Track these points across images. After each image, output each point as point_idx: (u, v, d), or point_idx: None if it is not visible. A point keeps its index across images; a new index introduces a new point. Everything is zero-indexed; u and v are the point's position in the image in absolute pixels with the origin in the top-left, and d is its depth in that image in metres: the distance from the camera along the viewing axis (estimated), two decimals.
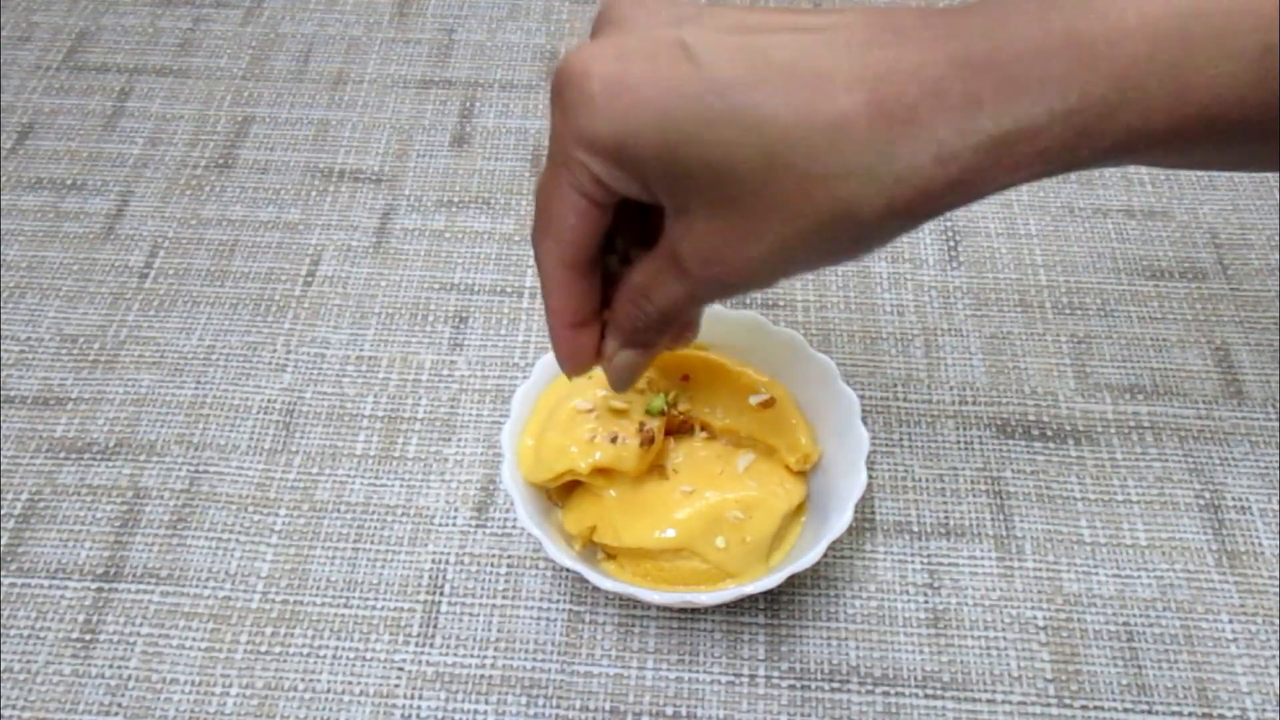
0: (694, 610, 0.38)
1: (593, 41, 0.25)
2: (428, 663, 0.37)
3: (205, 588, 0.39)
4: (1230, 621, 0.37)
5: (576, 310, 0.29)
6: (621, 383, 0.32)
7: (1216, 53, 0.21)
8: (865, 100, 0.22)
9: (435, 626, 0.38)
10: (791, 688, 0.36)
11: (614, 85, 0.24)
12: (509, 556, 0.39)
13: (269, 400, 0.44)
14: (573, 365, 0.31)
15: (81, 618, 0.38)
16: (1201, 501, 0.40)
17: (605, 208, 0.27)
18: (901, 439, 0.42)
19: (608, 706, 0.36)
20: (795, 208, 0.23)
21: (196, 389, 0.45)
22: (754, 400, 0.38)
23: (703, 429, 0.38)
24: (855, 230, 0.23)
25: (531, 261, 0.49)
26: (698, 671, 0.37)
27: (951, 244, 0.49)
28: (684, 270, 0.26)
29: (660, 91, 0.23)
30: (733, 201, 0.24)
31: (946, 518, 0.40)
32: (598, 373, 0.38)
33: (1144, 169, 0.52)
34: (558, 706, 0.36)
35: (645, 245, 0.28)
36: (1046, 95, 0.22)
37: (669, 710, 0.36)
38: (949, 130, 0.22)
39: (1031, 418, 0.43)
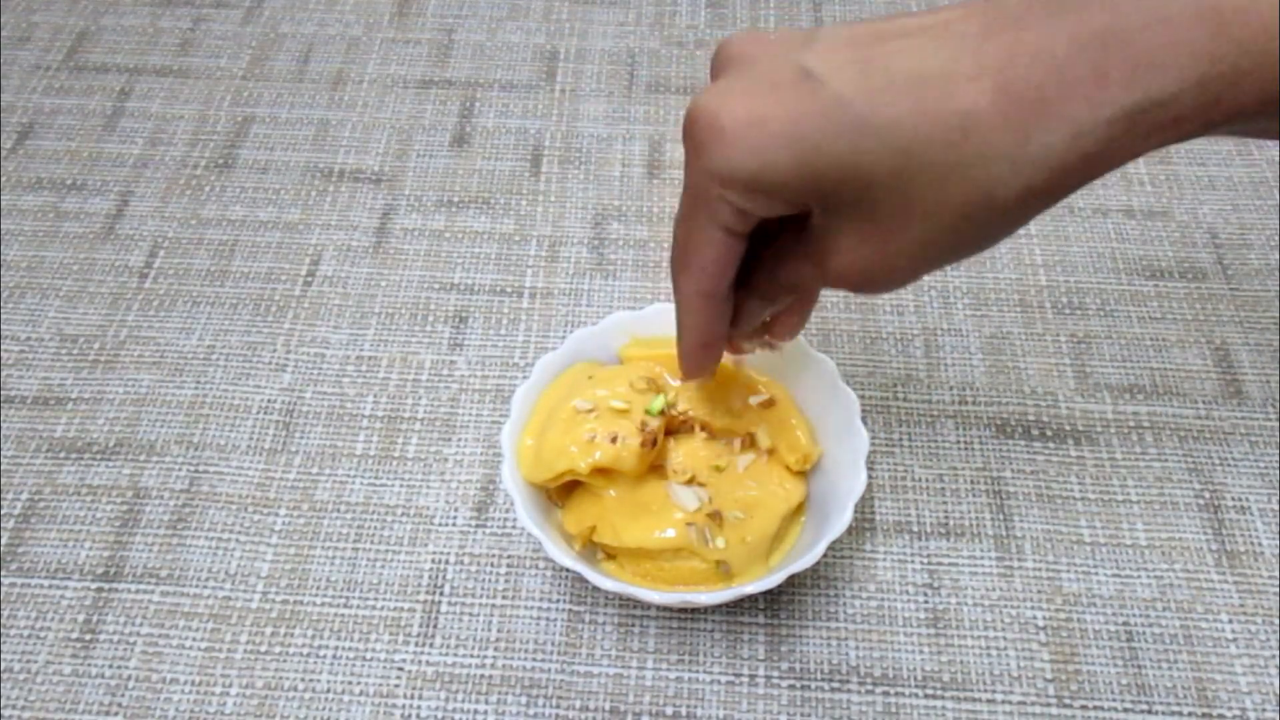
0: (694, 610, 0.38)
1: (716, 82, 0.26)
2: (428, 663, 0.37)
3: (205, 588, 0.39)
4: (1230, 621, 0.37)
5: (711, 332, 0.31)
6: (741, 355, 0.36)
7: None
8: (991, 89, 0.22)
9: (435, 626, 0.38)
10: (791, 688, 0.36)
11: (743, 119, 0.24)
12: (509, 556, 0.39)
13: (269, 400, 0.44)
14: (695, 374, 0.34)
15: (81, 618, 0.38)
16: (1201, 501, 0.40)
17: (744, 236, 0.28)
18: (901, 439, 0.42)
19: (608, 706, 0.36)
20: (934, 203, 0.24)
21: (196, 389, 0.45)
22: (754, 400, 0.38)
23: (703, 429, 0.38)
24: (994, 216, 0.24)
25: (531, 262, 0.49)
26: (698, 671, 0.37)
27: None
28: (826, 271, 0.27)
29: (789, 118, 0.24)
30: (874, 206, 0.24)
31: (946, 518, 0.40)
32: (599, 373, 0.38)
33: (1143, 168, 0.52)
34: (558, 706, 0.36)
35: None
36: (1177, 65, 0.21)
37: (669, 710, 0.36)
38: (1079, 108, 0.22)
39: (1031, 418, 0.43)
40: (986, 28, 0.23)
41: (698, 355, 0.33)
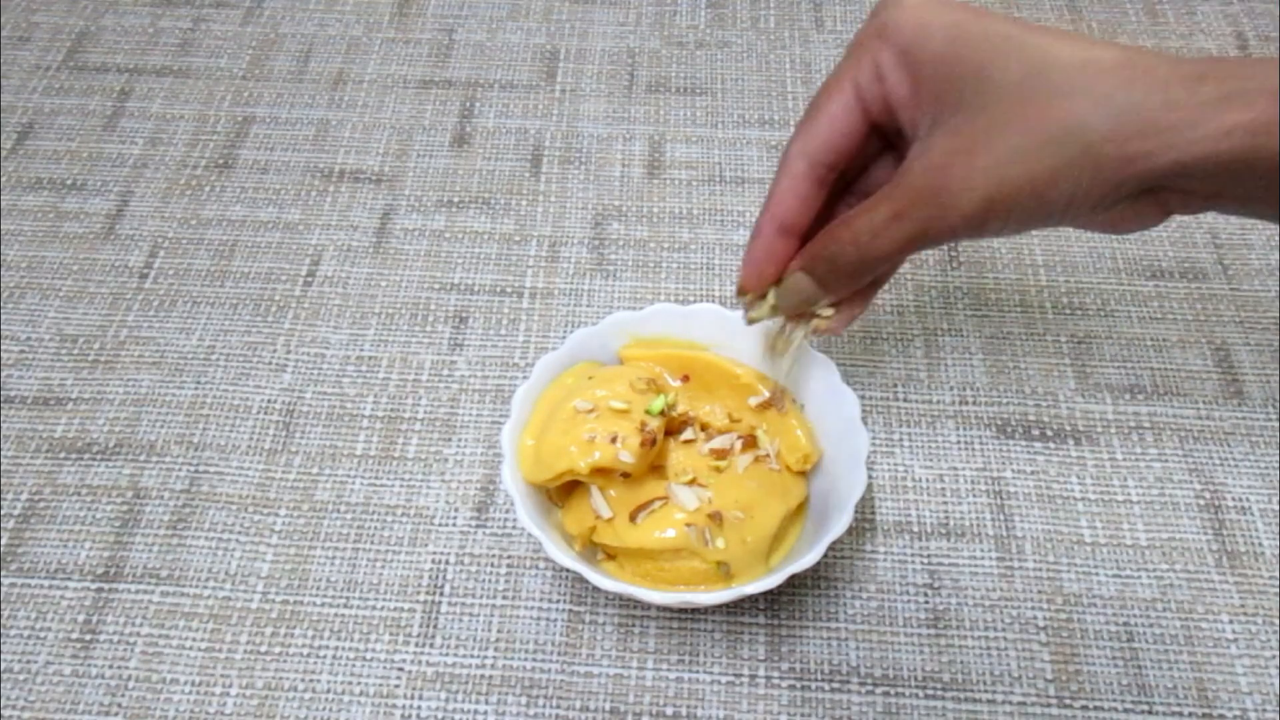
0: (694, 610, 0.38)
1: None
2: (428, 663, 0.37)
3: (205, 588, 0.39)
4: (1230, 621, 0.37)
5: (794, 210, 0.32)
6: (785, 305, 0.34)
7: None
8: (1118, 51, 0.27)
9: (435, 626, 0.38)
10: (791, 688, 0.36)
11: (927, 1, 0.29)
12: (509, 556, 0.39)
13: (269, 400, 0.44)
14: (757, 271, 0.33)
15: (81, 618, 0.38)
16: (1201, 501, 0.40)
17: (868, 119, 0.31)
18: (901, 439, 0.42)
19: (608, 706, 0.36)
20: (1034, 118, 0.26)
21: (196, 389, 0.45)
22: (754, 400, 0.38)
23: (703, 429, 0.38)
24: (1075, 153, 0.26)
25: (531, 262, 0.49)
26: (698, 671, 0.37)
27: (951, 244, 0.49)
28: (905, 184, 0.29)
29: (959, 11, 0.29)
30: (985, 108, 0.27)
31: (947, 518, 0.40)
32: (598, 373, 0.38)
33: None
34: (558, 706, 0.36)
35: None
36: (1260, 77, 0.25)
37: (669, 710, 0.36)
38: (1178, 87, 0.25)
39: (1031, 418, 0.43)
40: (1122, 45, 0.28)
41: (769, 238, 0.33)
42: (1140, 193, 0.27)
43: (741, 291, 0.34)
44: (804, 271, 0.32)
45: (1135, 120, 0.26)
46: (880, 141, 0.32)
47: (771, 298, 0.34)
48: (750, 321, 0.35)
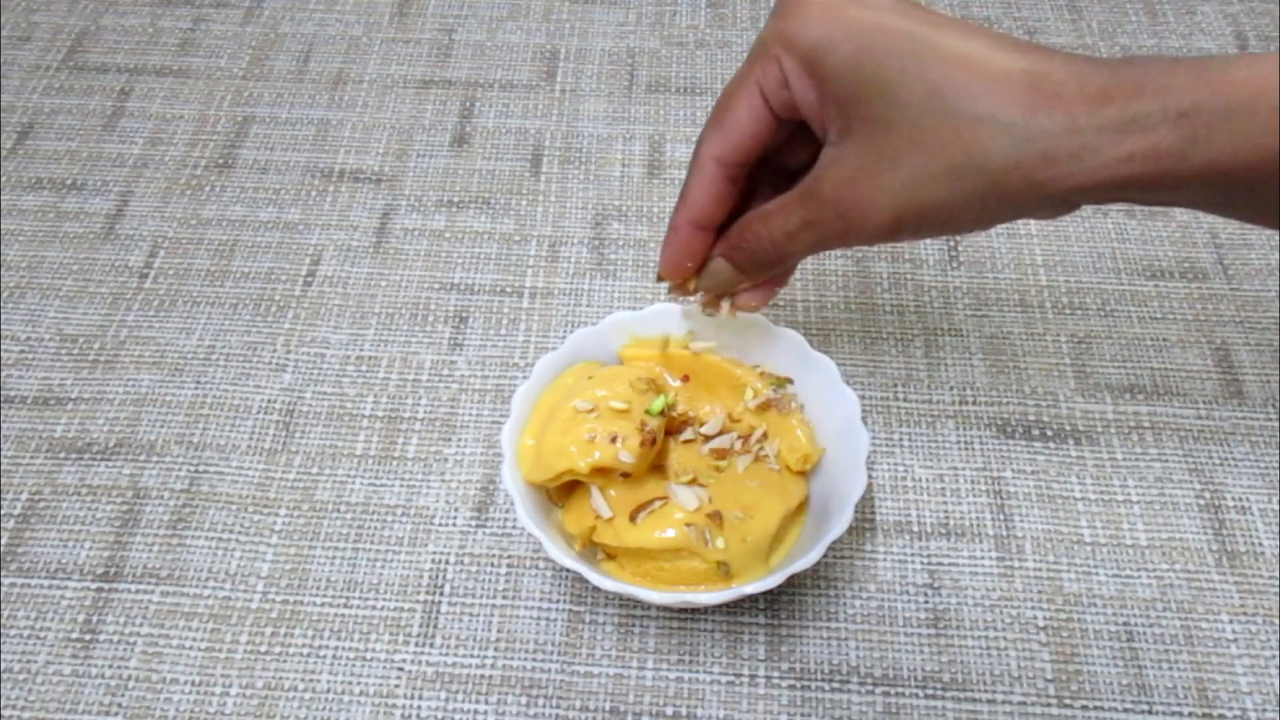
0: (694, 610, 0.38)
1: None
2: (428, 663, 0.37)
3: (205, 588, 0.39)
4: (1230, 621, 0.37)
5: (708, 210, 0.33)
6: (707, 284, 0.35)
7: None
8: (1021, 72, 0.26)
9: (435, 626, 0.38)
10: (791, 688, 0.36)
11: (830, 4, 0.28)
12: (509, 556, 0.39)
13: (269, 400, 0.44)
14: (675, 265, 0.34)
15: (81, 618, 0.38)
16: (1201, 501, 0.40)
17: (776, 120, 0.31)
18: (901, 439, 0.42)
19: (608, 706, 0.36)
20: (940, 143, 0.27)
21: (196, 389, 0.45)
22: (753, 402, 0.38)
23: (703, 429, 0.38)
24: (980, 180, 0.27)
25: (531, 262, 0.49)
26: (698, 671, 0.37)
27: (951, 244, 0.49)
28: (817, 196, 0.29)
29: (865, 20, 0.28)
30: (890, 128, 0.27)
31: (946, 518, 0.40)
32: (599, 373, 0.38)
33: None
34: (558, 706, 0.36)
35: None
36: (1165, 98, 0.25)
37: (669, 710, 0.36)
38: (1082, 111, 0.25)
39: (1031, 418, 0.43)
40: (1031, 47, 0.27)
41: (686, 235, 0.33)
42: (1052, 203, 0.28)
43: (660, 279, 0.36)
44: (724, 258, 0.34)
45: (1039, 148, 0.26)
46: (794, 125, 0.32)
47: (693, 282, 0.36)
48: (675, 299, 0.37)
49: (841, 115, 0.28)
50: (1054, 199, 0.27)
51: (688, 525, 0.34)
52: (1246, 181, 0.25)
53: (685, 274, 0.35)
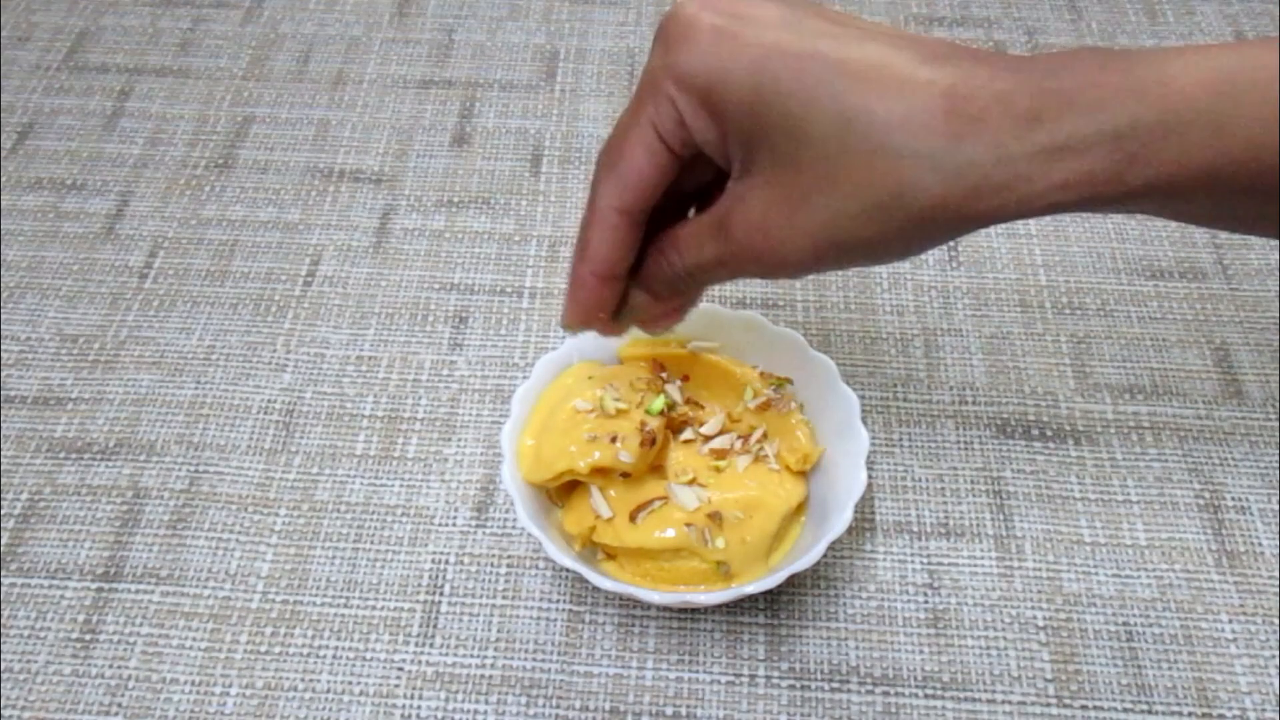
0: (694, 610, 0.38)
1: None
2: (428, 663, 0.37)
3: (205, 588, 0.39)
4: (1230, 621, 0.37)
5: (612, 260, 0.30)
6: (628, 318, 0.32)
7: (1251, 111, 0.23)
8: (940, 95, 0.24)
9: (435, 626, 0.38)
10: (791, 688, 0.36)
11: (720, 31, 0.26)
12: (509, 556, 0.39)
13: (269, 400, 0.44)
14: (581, 317, 0.31)
15: (81, 618, 0.38)
16: (1201, 501, 0.40)
17: (676, 158, 0.28)
18: (901, 439, 0.42)
19: (608, 706, 0.36)
20: (856, 181, 0.25)
21: (196, 389, 0.45)
22: (753, 402, 0.38)
23: (702, 429, 0.38)
24: (904, 218, 0.25)
25: (531, 262, 0.49)
26: (698, 671, 0.37)
27: (951, 244, 0.49)
28: (728, 235, 0.27)
29: (761, 45, 0.25)
30: (799, 167, 0.25)
31: (946, 518, 0.40)
32: (599, 373, 0.38)
33: None
34: (558, 706, 0.36)
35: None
36: (1099, 116, 0.23)
37: (669, 710, 0.36)
38: (1010, 136, 0.24)
39: (1031, 418, 0.43)
40: (950, 54, 0.25)
41: (593, 290, 0.30)
42: None
43: (566, 328, 0.32)
44: (641, 290, 0.31)
45: (967, 183, 0.24)
46: (694, 156, 0.29)
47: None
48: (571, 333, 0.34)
49: (745, 151, 0.26)
50: (989, 224, 0.25)
51: (688, 525, 0.34)
52: (1187, 196, 0.24)
53: (594, 324, 0.32)
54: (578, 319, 0.31)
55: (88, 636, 0.38)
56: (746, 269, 0.28)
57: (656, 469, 0.37)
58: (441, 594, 0.39)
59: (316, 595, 0.39)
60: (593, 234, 0.29)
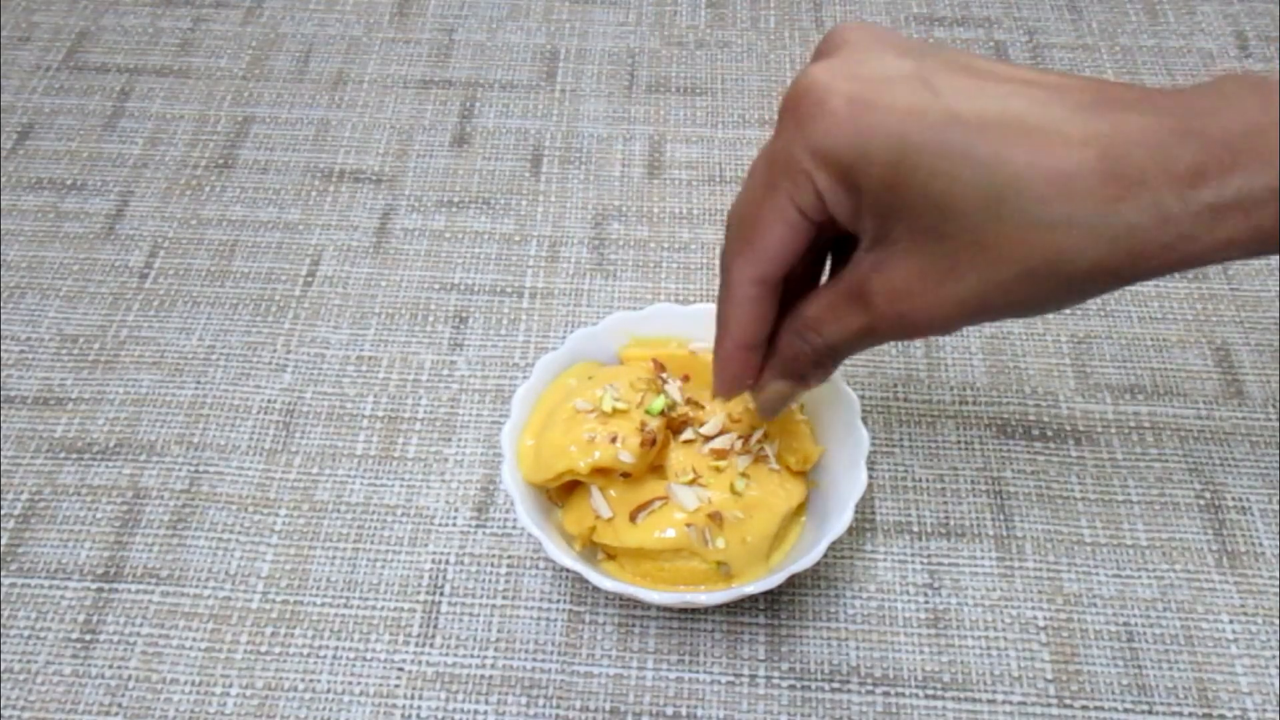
0: (694, 610, 0.38)
1: (827, 61, 0.26)
2: (428, 663, 0.37)
3: (205, 588, 0.39)
4: (1230, 621, 0.37)
5: (756, 331, 0.30)
6: (768, 412, 0.33)
7: None
8: (1095, 158, 0.22)
9: (435, 626, 0.38)
10: (791, 688, 0.36)
11: (856, 103, 0.24)
12: (509, 556, 0.39)
13: (269, 400, 0.44)
14: (732, 386, 0.32)
15: (81, 618, 0.38)
16: (1201, 502, 0.40)
17: (814, 227, 0.27)
18: (901, 439, 0.42)
19: (608, 706, 0.36)
20: (1008, 252, 0.24)
21: (196, 389, 0.45)
22: (753, 402, 0.38)
23: (702, 429, 0.38)
24: (1060, 284, 0.24)
25: (531, 262, 0.49)
26: (698, 671, 0.37)
27: None
28: (868, 304, 0.27)
29: (900, 116, 0.24)
30: (943, 237, 0.24)
31: (946, 518, 0.40)
32: (599, 373, 0.38)
33: None
34: (558, 706, 0.36)
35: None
36: (1268, 169, 0.22)
37: (669, 710, 0.36)
38: (1172, 197, 0.22)
39: (1031, 418, 0.43)
40: (1097, 100, 0.23)
41: (739, 360, 0.31)
42: None
43: (717, 397, 0.33)
44: (782, 379, 0.31)
45: (1127, 246, 0.23)
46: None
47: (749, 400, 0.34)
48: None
49: (881, 220, 0.25)
50: (1143, 281, 0.24)
51: (688, 525, 0.34)
52: None
53: (743, 390, 0.32)
54: (729, 390, 0.32)
55: (88, 637, 0.38)
56: (890, 335, 0.27)
57: (656, 469, 0.37)
58: (441, 594, 0.39)
59: (316, 595, 0.39)
60: (733, 309, 0.29)
